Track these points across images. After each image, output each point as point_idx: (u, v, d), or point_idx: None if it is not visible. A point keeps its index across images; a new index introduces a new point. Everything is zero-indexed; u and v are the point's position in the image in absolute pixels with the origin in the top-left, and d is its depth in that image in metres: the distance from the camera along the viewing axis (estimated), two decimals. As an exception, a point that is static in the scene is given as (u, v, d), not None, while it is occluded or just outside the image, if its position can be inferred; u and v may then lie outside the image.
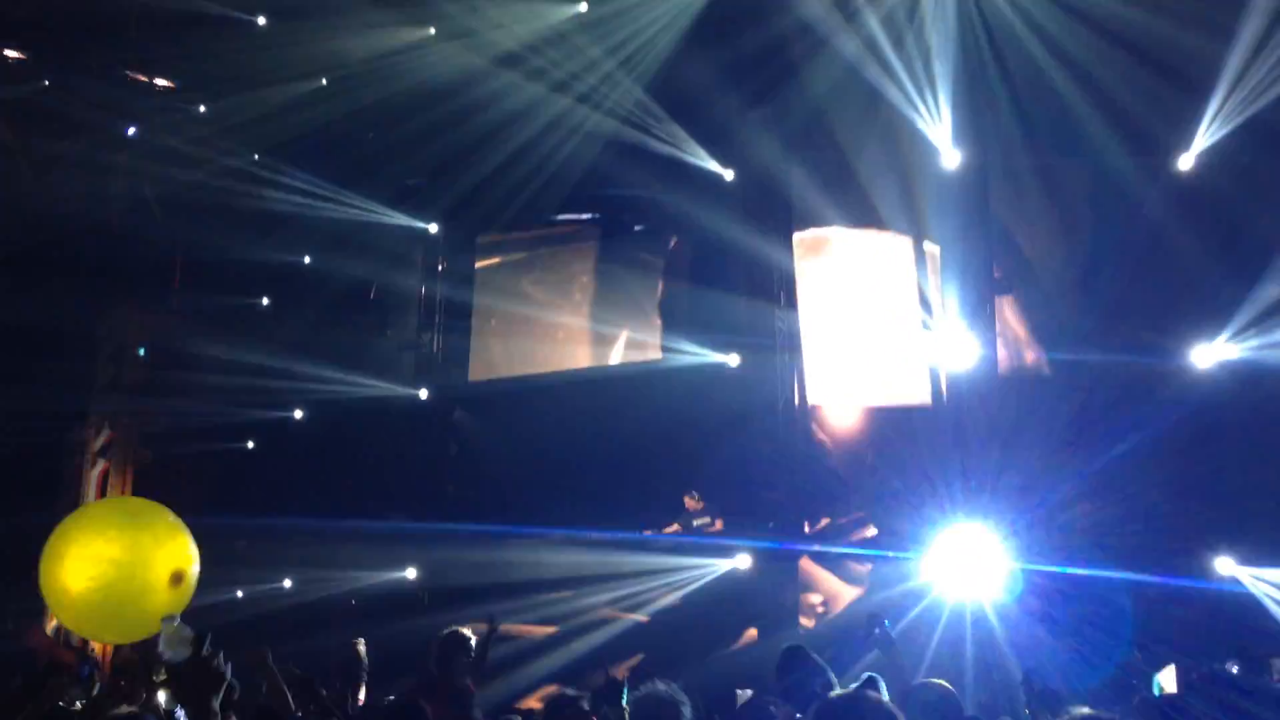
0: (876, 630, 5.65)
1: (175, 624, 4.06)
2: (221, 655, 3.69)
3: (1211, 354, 11.40)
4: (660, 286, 14.48)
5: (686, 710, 4.82)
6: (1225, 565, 10.85)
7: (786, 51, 12.09)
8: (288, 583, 14.00)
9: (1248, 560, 10.71)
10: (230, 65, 13.46)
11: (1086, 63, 11.37)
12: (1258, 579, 10.60)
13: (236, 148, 14.59)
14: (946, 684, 5.30)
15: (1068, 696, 6.35)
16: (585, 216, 14.93)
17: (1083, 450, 11.18)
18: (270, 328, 15.08)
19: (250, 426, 14.88)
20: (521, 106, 12.84)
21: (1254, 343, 11.06)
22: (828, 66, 11.82)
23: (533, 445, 13.37)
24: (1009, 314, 12.45)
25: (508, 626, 8.05)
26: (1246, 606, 10.56)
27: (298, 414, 14.97)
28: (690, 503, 13.08)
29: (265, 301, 15.46)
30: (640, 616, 12.44)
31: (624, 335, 14.69)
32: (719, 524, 12.92)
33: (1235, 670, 7.41)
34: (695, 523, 13.04)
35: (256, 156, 14.90)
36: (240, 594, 13.79)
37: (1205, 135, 11.36)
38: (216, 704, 3.59)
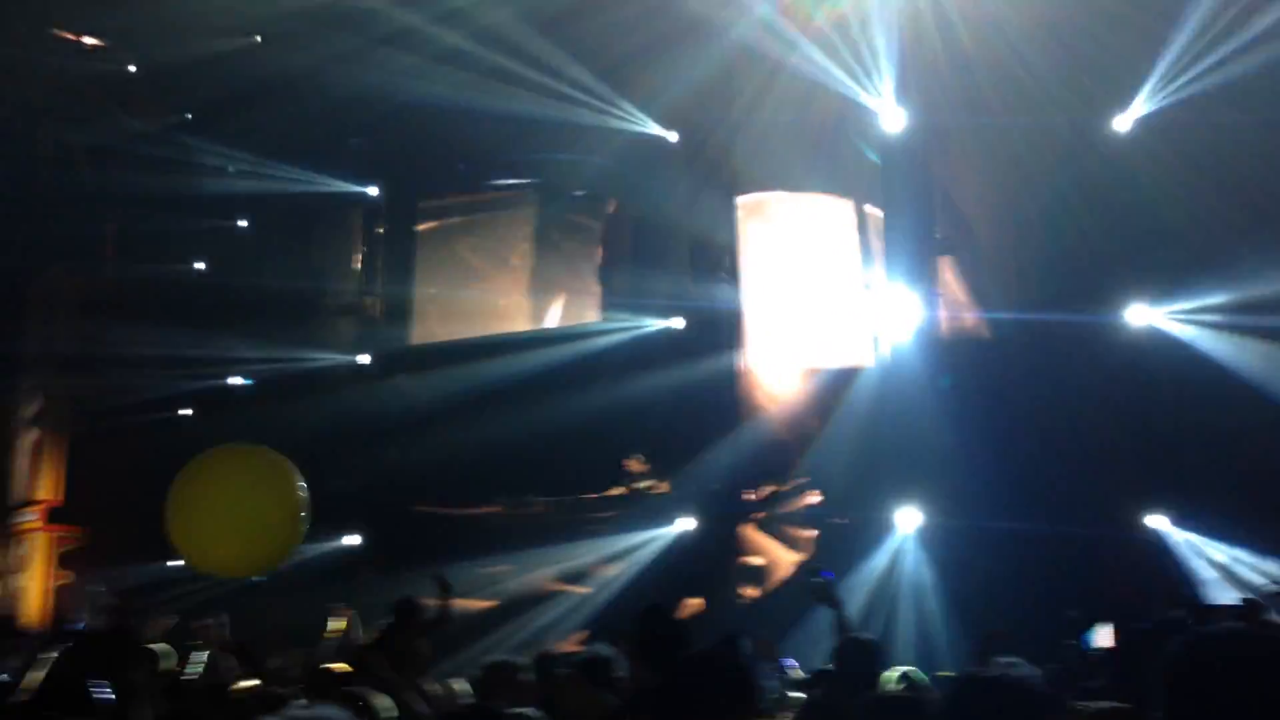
0: (812, 580, 5.61)
1: (100, 590, 4.14)
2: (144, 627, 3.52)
3: (1145, 315, 11.55)
4: (599, 252, 14.41)
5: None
6: (1157, 520, 11.08)
7: (727, 16, 12.00)
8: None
9: (1177, 514, 10.94)
10: (161, 22, 13.13)
11: (1026, 24, 11.39)
12: (1183, 534, 10.86)
13: (169, 108, 14.28)
14: (871, 637, 5.33)
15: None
16: (524, 181, 14.78)
17: (1020, 408, 11.33)
18: (207, 294, 14.79)
19: (189, 395, 14.61)
20: (457, 67, 12.60)
21: (1186, 305, 11.21)
22: (770, 31, 11.75)
23: (475, 408, 13.28)
24: (949, 276, 12.54)
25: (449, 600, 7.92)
26: (1165, 561, 10.81)
27: (237, 380, 14.73)
28: (635, 465, 13.06)
29: (201, 266, 15.13)
30: (583, 588, 12.43)
31: (563, 299, 14.63)
32: (663, 486, 12.93)
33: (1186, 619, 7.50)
34: (639, 485, 13.04)
35: (189, 116, 14.61)
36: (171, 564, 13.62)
37: (1146, 99, 11.40)
38: (138, 677, 3.43)
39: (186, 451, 13.97)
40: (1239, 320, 10.92)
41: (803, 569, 5.78)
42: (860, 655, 4.83)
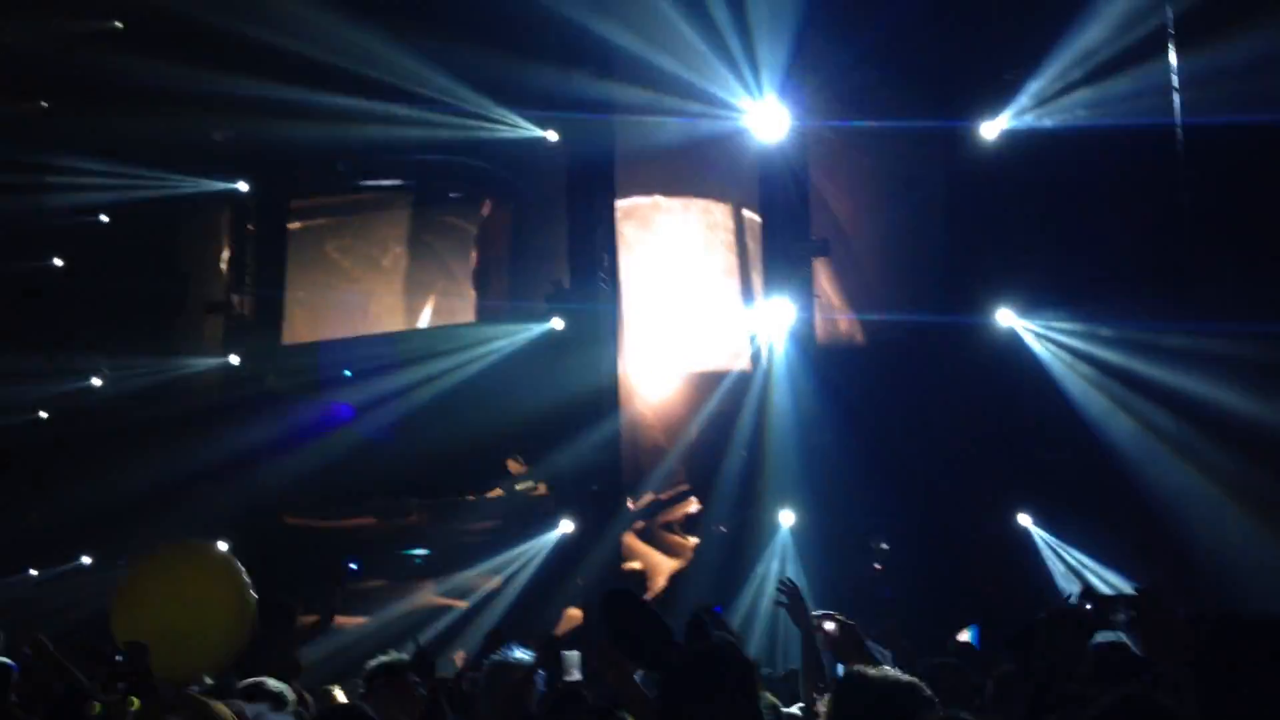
0: (703, 617, 5.44)
1: None
2: None
3: (1011, 320, 11.86)
4: (474, 255, 14.27)
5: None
6: (1023, 519, 11.41)
7: (609, 13, 11.98)
8: (87, 560, 13.29)
9: (1037, 514, 11.30)
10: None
11: (900, 28, 11.63)
12: (1044, 535, 11.21)
13: (24, 95, 13.63)
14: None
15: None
16: (397, 182, 14.54)
17: (891, 409, 11.57)
18: (65, 291, 14.15)
19: (46, 398, 13.96)
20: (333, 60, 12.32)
21: (1052, 314, 11.56)
22: (648, 28, 11.76)
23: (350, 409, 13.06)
24: (825, 281, 12.73)
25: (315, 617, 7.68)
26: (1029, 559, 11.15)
27: (96, 382, 14.11)
28: (514, 466, 12.96)
29: (58, 262, 14.45)
30: (461, 602, 12.26)
31: (434, 302, 14.47)
32: (542, 488, 12.86)
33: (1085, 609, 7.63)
34: (518, 486, 12.95)
35: (45, 105, 13.99)
36: (35, 574, 13.07)
37: (1017, 106, 11.71)
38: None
39: (42, 456, 13.50)
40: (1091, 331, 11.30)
41: (693, 608, 5.60)
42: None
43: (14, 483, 13.20)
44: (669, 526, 12.56)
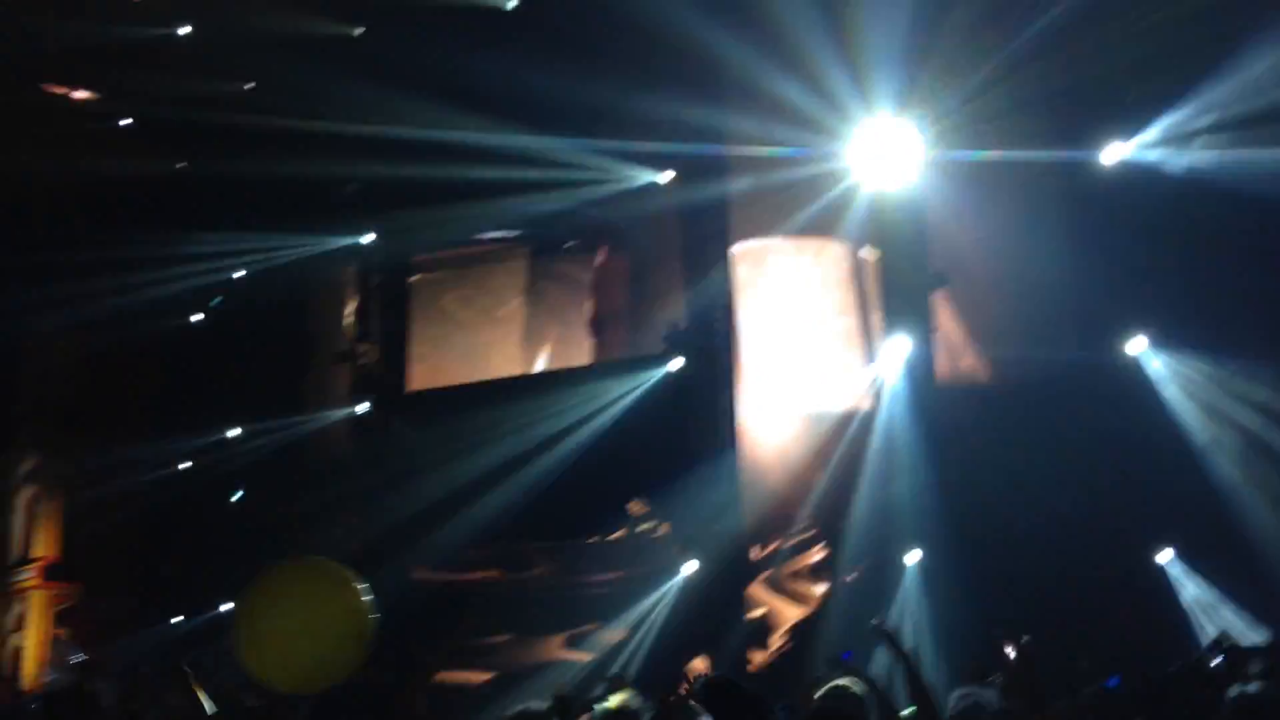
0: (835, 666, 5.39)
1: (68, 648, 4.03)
2: (104, 687, 3.28)
3: (1142, 350, 11.48)
4: (591, 304, 14.38)
5: None
6: (1164, 556, 11.00)
7: (722, 48, 12.03)
8: (226, 606, 13.73)
9: (1181, 555, 10.87)
10: (155, 73, 13.21)
11: (1024, 58, 11.42)
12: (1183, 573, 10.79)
13: (164, 157, 14.30)
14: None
15: None
16: (514, 233, 14.76)
17: (1021, 445, 11.27)
18: (204, 346, 14.74)
19: (185, 453, 14.52)
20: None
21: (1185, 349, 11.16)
22: (762, 63, 11.77)
23: (473, 454, 13.22)
24: (945, 317, 12.48)
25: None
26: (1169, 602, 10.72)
27: (232, 432, 14.64)
28: (635, 508, 12.99)
29: (199, 318, 15.06)
30: (586, 655, 12.26)
31: (550, 350, 14.61)
32: (665, 528, 12.85)
33: (1217, 662, 7.37)
34: (640, 528, 12.97)
35: (184, 165, 14.63)
36: (178, 619, 13.58)
37: (1144, 140, 11.37)
38: None
39: (184, 507, 14.03)
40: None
41: (822, 659, 5.57)
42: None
43: (157, 534, 13.76)
44: (796, 574, 12.40)
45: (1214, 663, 6.64)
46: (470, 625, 11.40)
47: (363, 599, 4.94)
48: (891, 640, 5.14)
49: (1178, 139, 11.09)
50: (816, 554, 12.32)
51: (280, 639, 4.77)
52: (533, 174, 12.76)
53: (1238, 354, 10.67)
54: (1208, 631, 10.17)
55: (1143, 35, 11.08)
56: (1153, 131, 11.22)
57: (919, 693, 4.82)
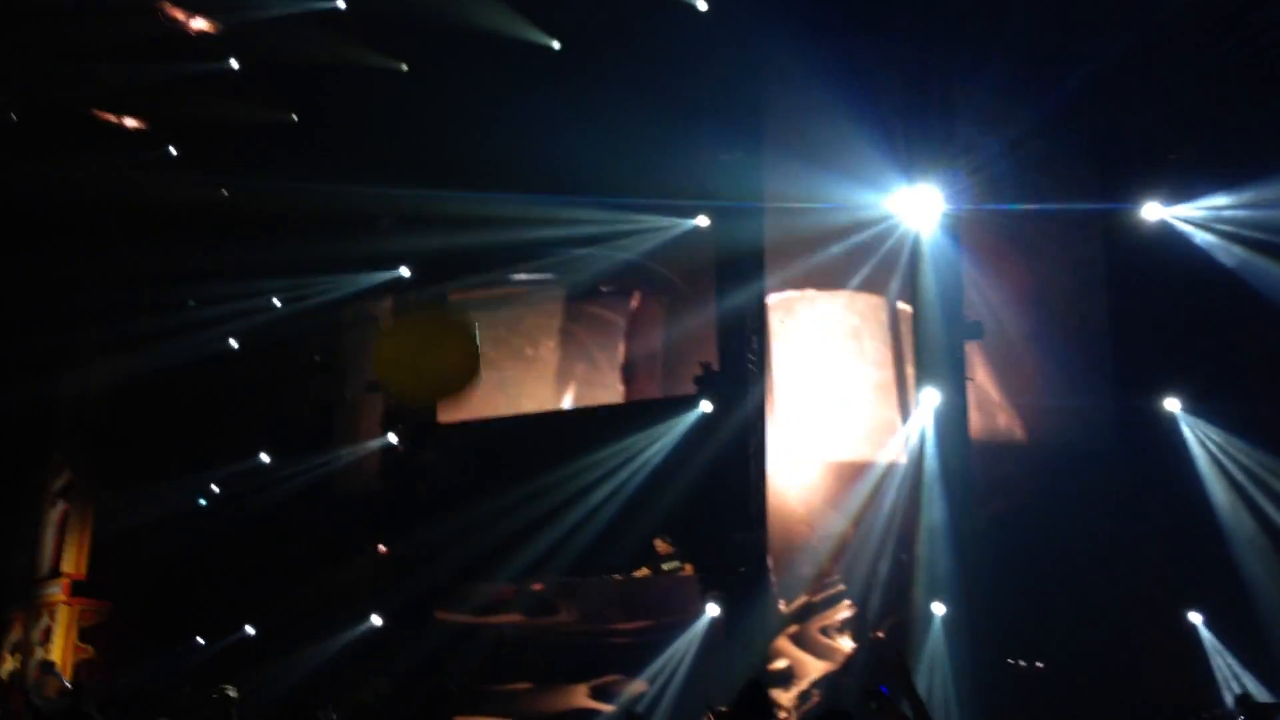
0: (871, 702, 5.42)
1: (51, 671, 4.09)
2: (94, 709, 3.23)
3: (1176, 405, 11.44)
4: (621, 348, 14.42)
5: None
6: (1193, 618, 10.94)
7: (760, 100, 12.15)
8: (250, 630, 13.82)
9: (1210, 615, 10.81)
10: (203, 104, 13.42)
11: (1063, 111, 11.46)
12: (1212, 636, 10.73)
13: (206, 187, 14.50)
14: None
15: None
16: (549, 276, 14.83)
17: (1055, 502, 11.26)
18: (239, 375, 14.89)
19: (217, 480, 14.66)
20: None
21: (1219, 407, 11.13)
22: (800, 116, 11.86)
23: (503, 488, 13.25)
24: (981, 375, 12.46)
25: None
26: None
27: (264, 457, 14.78)
28: (661, 546, 12.96)
29: (234, 345, 15.22)
30: (603, 706, 12.18)
31: (575, 389, 14.65)
32: (689, 568, 12.81)
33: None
34: (665, 566, 12.94)
35: (225, 192, 14.82)
36: (201, 641, 13.67)
37: (1184, 209, 11.39)
38: None
39: (208, 530, 14.16)
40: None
41: (861, 691, 5.59)
42: None
43: (187, 558, 13.85)
44: (825, 630, 12.34)
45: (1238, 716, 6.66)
46: (490, 670, 11.34)
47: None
48: (902, 672, 5.17)
49: (1219, 207, 11.10)
50: (844, 610, 12.27)
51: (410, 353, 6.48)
52: (570, 216, 12.87)
53: (1268, 432, 10.62)
54: (1231, 691, 10.15)
55: (1185, 92, 11.15)
56: (1193, 203, 11.22)
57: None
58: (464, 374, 6.88)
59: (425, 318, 7.54)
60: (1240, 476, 10.95)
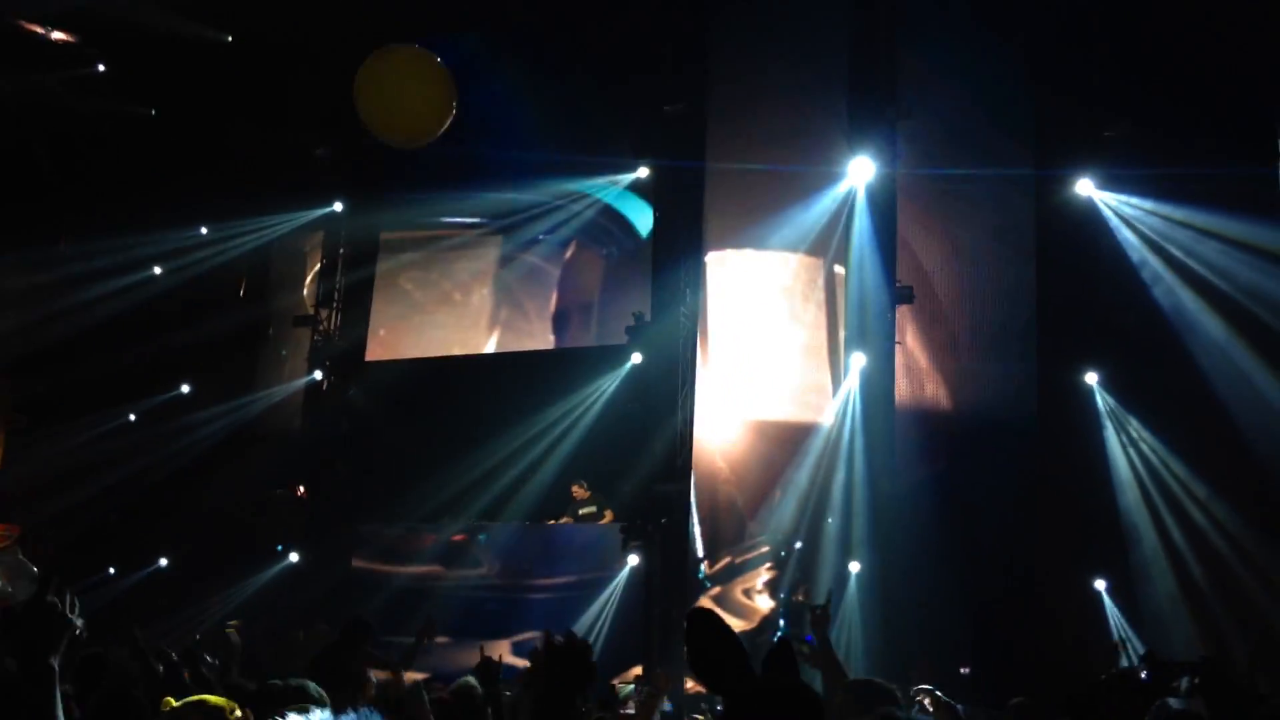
0: (801, 650, 5.44)
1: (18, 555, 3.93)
2: (70, 600, 2.94)
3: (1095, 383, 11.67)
4: (554, 296, 14.36)
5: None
6: (1098, 584, 11.22)
7: (705, 55, 12.09)
8: (163, 561, 13.63)
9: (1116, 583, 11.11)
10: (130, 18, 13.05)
11: (995, 77, 11.54)
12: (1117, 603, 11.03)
13: (134, 105, 14.14)
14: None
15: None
16: (484, 220, 14.66)
17: (971, 468, 11.44)
18: (162, 301, 14.59)
19: (132, 400, 14.37)
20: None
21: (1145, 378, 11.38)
22: (743, 75, 11.83)
23: (424, 427, 13.17)
24: (911, 340, 12.57)
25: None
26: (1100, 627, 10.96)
27: (185, 389, 14.52)
28: (578, 491, 12.85)
29: (157, 271, 14.90)
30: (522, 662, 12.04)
31: (499, 333, 14.55)
32: (609, 515, 12.78)
33: (1144, 675, 7.57)
34: (581, 511, 12.86)
35: (153, 112, 14.47)
36: (113, 571, 13.44)
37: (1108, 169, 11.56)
38: (55, 661, 2.83)
39: (125, 456, 13.86)
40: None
41: (788, 637, 5.64)
42: None
43: (101, 487, 13.61)
44: (746, 592, 12.42)
45: (1141, 675, 6.81)
46: (402, 622, 11.18)
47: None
48: (822, 624, 5.26)
49: (1150, 185, 11.28)
50: (765, 573, 12.36)
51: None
52: (511, 162, 12.75)
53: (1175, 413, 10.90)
54: (1135, 652, 10.45)
55: (1122, 68, 11.29)
56: (1125, 179, 11.42)
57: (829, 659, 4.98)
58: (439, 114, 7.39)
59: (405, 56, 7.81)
60: (1139, 459, 11.25)
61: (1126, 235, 11.56)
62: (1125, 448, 11.36)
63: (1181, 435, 11.01)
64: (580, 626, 11.71)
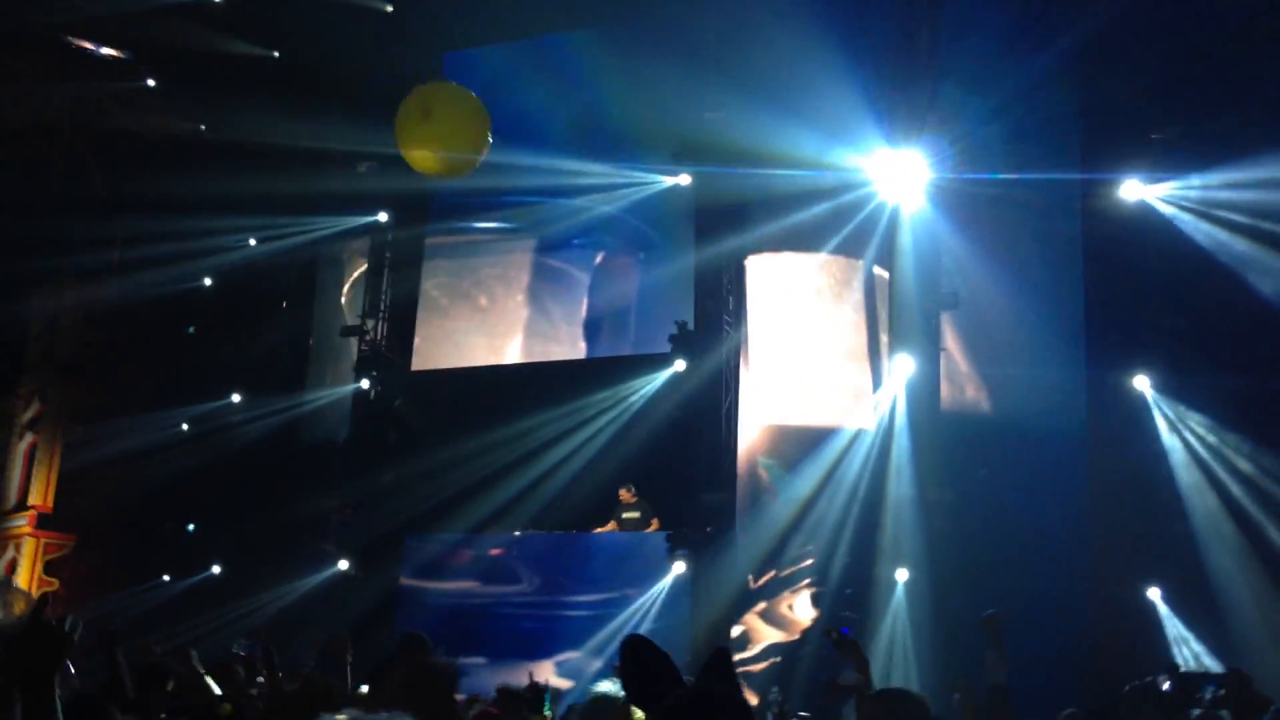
0: (835, 639, 5.43)
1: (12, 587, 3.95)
2: (68, 621, 2.98)
3: (1146, 386, 11.51)
4: (584, 302, 14.39)
5: None
6: (1152, 594, 11.06)
7: (746, 65, 12.06)
8: (217, 569, 13.86)
9: (1171, 592, 10.95)
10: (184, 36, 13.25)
11: (1038, 80, 11.42)
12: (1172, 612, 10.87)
13: (185, 121, 14.35)
14: None
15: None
16: (518, 226, 14.68)
17: (1014, 470, 11.34)
18: (210, 309, 14.80)
19: (185, 413, 14.59)
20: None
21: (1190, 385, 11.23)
22: (786, 80, 11.78)
23: (469, 437, 13.22)
24: (951, 344, 12.47)
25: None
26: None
27: (235, 398, 14.72)
28: (625, 495, 12.85)
29: (208, 282, 15.12)
30: (568, 683, 11.91)
31: (523, 341, 14.60)
32: (655, 524, 12.79)
33: (1166, 687, 7.53)
34: (625, 515, 12.85)
35: (203, 127, 14.67)
36: (167, 578, 13.69)
37: (1165, 188, 11.40)
38: (56, 680, 2.88)
39: (178, 467, 14.11)
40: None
41: (823, 633, 5.62)
42: None
43: (154, 496, 13.83)
44: (790, 607, 12.38)
45: (1165, 687, 6.78)
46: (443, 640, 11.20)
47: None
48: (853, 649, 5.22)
49: (1199, 191, 11.12)
50: (808, 588, 12.30)
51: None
52: (549, 166, 12.77)
53: (1237, 417, 10.71)
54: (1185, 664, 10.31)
55: (1169, 69, 11.12)
56: (1173, 182, 11.25)
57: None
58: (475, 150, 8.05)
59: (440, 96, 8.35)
60: (1204, 454, 11.05)
61: (1181, 218, 11.32)
62: (1188, 447, 11.17)
63: (1248, 433, 10.81)
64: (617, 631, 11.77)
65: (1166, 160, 11.31)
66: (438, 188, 13.58)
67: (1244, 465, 10.87)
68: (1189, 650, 10.60)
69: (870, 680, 5.09)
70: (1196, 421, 11.13)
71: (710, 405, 12.49)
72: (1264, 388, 10.45)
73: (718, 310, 12.65)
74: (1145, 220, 11.48)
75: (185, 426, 14.52)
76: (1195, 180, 11.12)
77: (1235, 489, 10.79)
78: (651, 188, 13.05)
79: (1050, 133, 11.84)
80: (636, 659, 3.13)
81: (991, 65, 11.51)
